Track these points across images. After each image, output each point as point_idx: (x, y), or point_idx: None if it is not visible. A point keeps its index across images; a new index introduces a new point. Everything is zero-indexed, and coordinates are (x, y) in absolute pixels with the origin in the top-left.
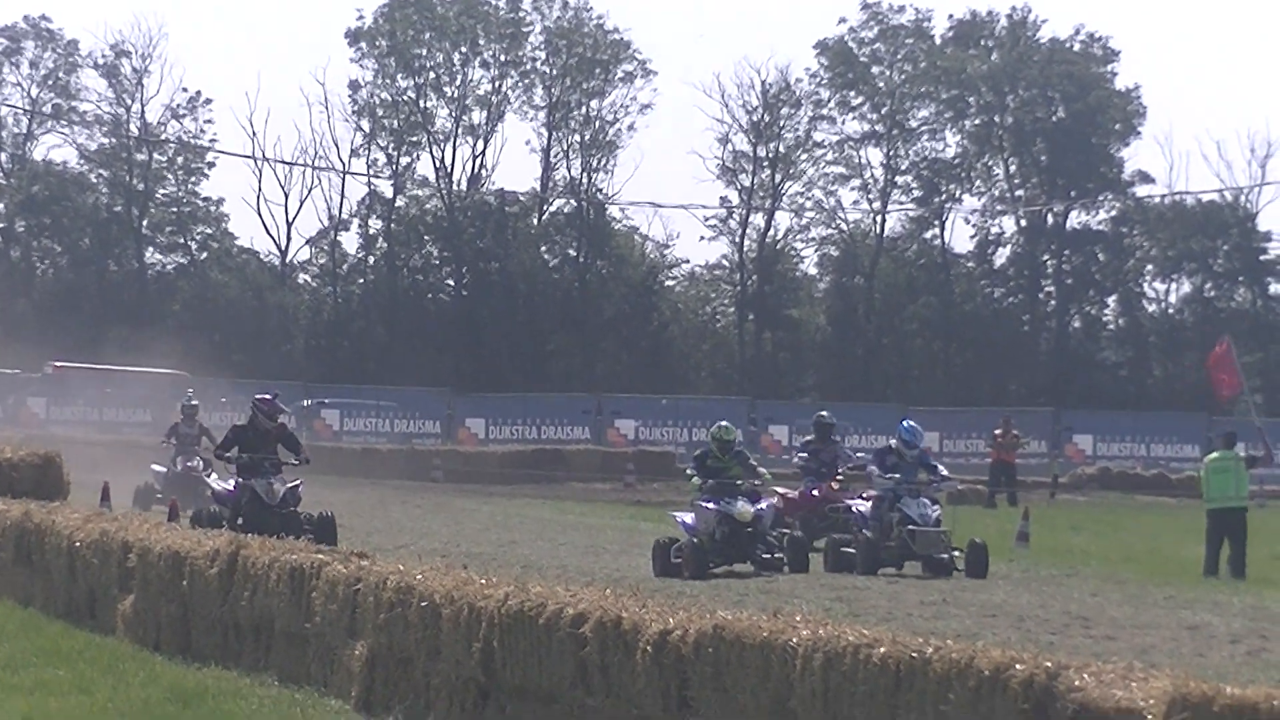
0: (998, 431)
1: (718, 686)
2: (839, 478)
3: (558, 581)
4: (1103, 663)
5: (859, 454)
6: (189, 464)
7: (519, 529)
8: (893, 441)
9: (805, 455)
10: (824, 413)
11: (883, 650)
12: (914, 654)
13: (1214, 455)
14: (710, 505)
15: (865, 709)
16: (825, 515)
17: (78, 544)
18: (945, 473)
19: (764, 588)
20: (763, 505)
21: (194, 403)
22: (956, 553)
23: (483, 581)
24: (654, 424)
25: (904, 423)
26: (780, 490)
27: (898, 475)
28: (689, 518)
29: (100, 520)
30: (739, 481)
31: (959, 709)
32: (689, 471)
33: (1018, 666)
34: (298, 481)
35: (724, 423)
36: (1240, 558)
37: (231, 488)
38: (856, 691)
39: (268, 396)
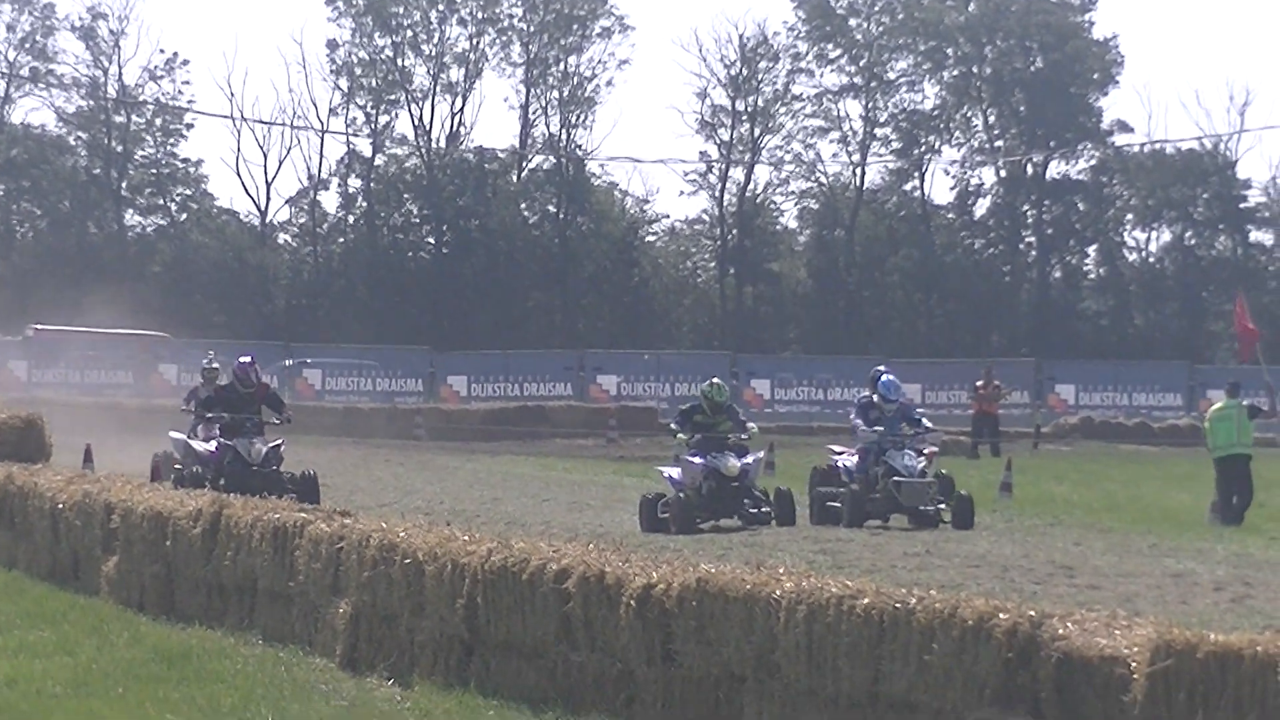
0: (979, 383)
1: (701, 640)
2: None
3: (541, 537)
4: (1086, 611)
5: (919, 410)
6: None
7: (502, 486)
8: (875, 395)
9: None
10: (881, 367)
11: (866, 601)
12: (897, 605)
13: (1218, 405)
14: (697, 460)
15: (849, 660)
16: None
17: (60, 506)
18: (929, 425)
19: (748, 541)
20: (749, 459)
21: (215, 365)
22: (942, 505)
23: (466, 538)
24: (636, 379)
25: (882, 377)
26: (837, 449)
27: (881, 428)
28: (675, 473)
29: (83, 482)
30: (728, 436)
31: (943, 659)
32: (672, 426)
33: (1001, 616)
34: (279, 441)
35: (716, 380)
36: (1242, 505)
37: (213, 448)
38: (840, 643)
39: (245, 361)
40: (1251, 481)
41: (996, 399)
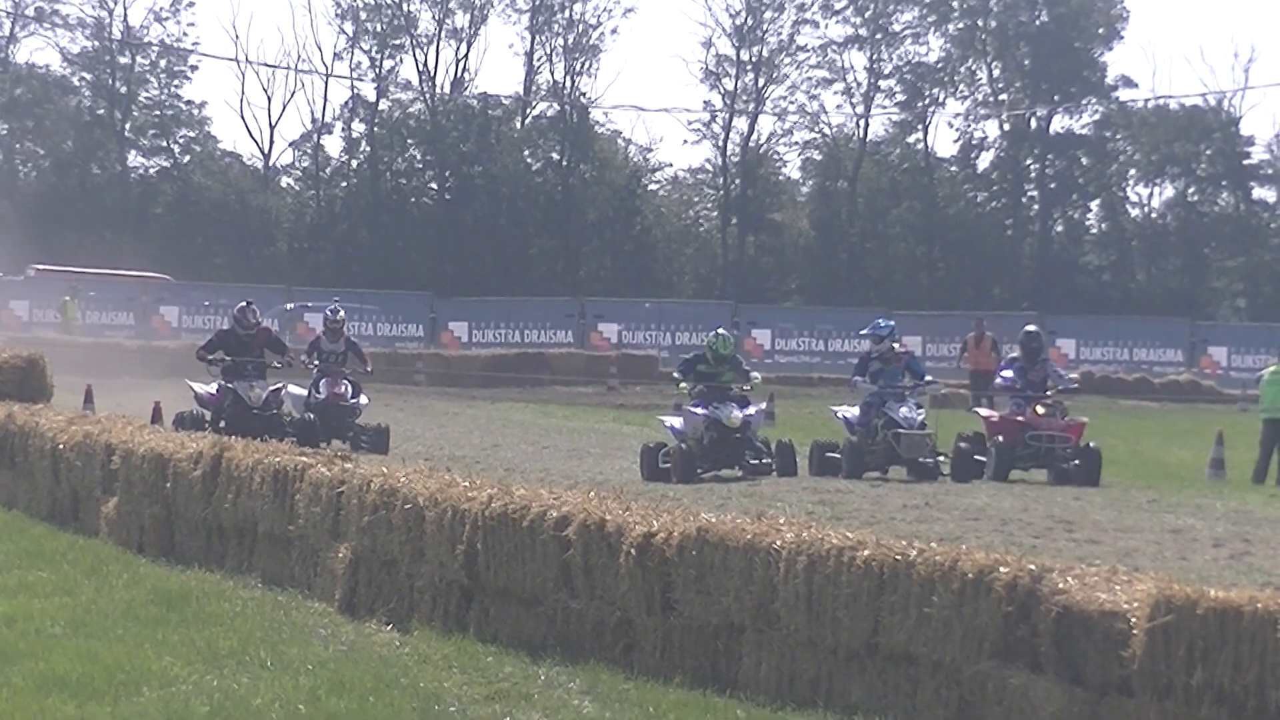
0: (970, 335)
1: (701, 589)
2: (1046, 401)
3: (541, 484)
4: (1086, 566)
5: (1071, 375)
6: (336, 389)
7: (502, 432)
8: (868, 345)
9: (1010, 375)
10: (1032, 327)
11: (866, 553)
12: (898, 557)
13: (1272, 368)
14: (699, 410)
15: (849, 611)
16: (1027, 443)
17: (61, 446)
18: (930, 378)
19: (747, 491)
20: (751, 410)
21: (340, 315)
22: (941, 457)
23: (466, 484)
24: (637, 327)
25: (876, 321)
26: (983, 412)
27: (881, 381)
28: (677, 422)
29: (83, 422)
30: (730, 387)
31: (943, 611)
32: (676, 376)
33: (1001, 569)
34: (280, 385)
35: (722, 331)
36: None
37: (214, 390)
38: (840, 594)
39: (243, 304)
40: None
41: (992, 353)
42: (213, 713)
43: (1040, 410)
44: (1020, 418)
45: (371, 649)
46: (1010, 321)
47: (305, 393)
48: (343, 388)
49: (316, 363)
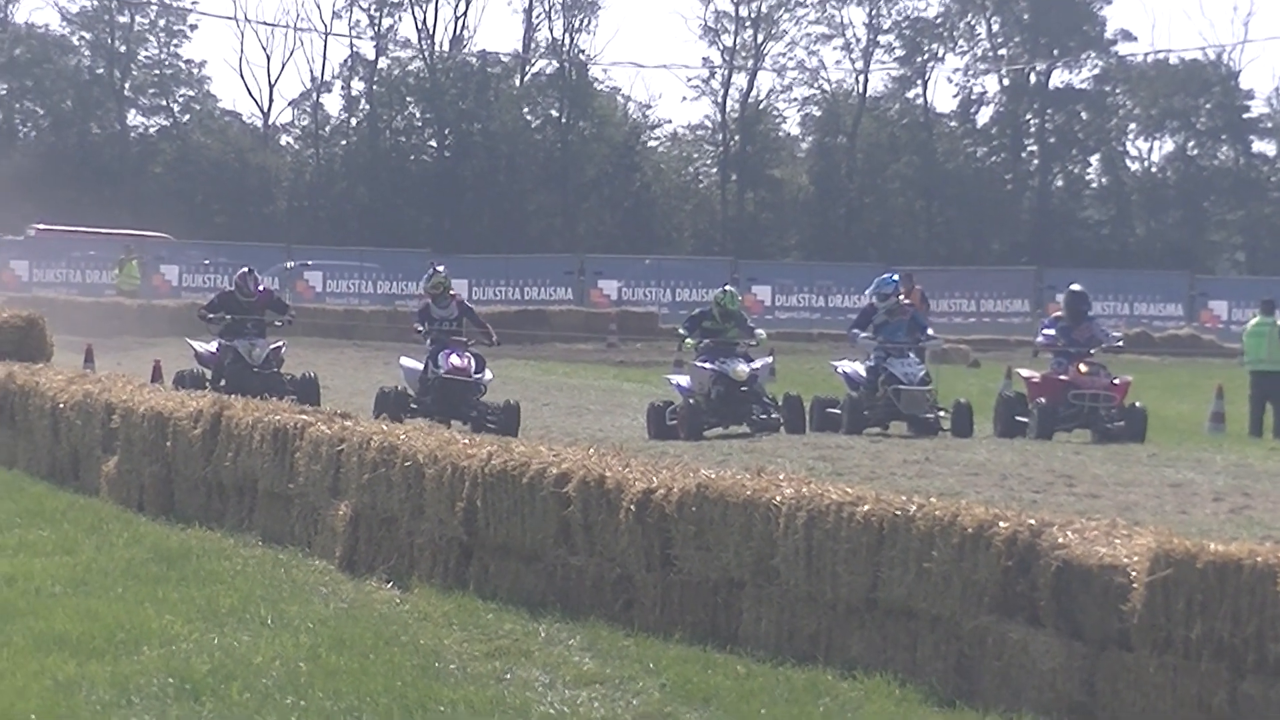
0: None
1: (700, 545)
2: (1090, 359)
3: (541, 441)
4: (1086, 520)
5: (1115, 334)
6: (458, 363)
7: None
8: (874, 299)
9: (1052, 334)
10: (1077, 286)
11: (866, 508)
12: (897, 512)
13: (1253, 320)
14: (706, 365)
15: (848, 566)
16: (1070, 402)
17: (61, 405)
18: (932, 332)
19: (748, 447)
20: (757, 365)
21: (440, 272)
22: (941, 412)
23: (466, 441)
24: (636, 284)
25: (880, 277)
26: (1024, 373)
27: (881, 336)
28: (684, 380)
29: (84, 382)
30: (736, 343)
31: (942, 566)
32: (681, 331)
33: (1001, 524)
34: (280, 343)
35: (730, 288)
36: (1278, 419)
37: (214, 349)
38: (839, 549)
39: (244, 272)
40: None
41: (924, 305)
42: (213, 670)
43: (1083, 368)
44: (1063, 376)
45: (371, 606)
46: (1010, 276)
47: (420, 367)
48: (466, 361)
49: (429, 331)
